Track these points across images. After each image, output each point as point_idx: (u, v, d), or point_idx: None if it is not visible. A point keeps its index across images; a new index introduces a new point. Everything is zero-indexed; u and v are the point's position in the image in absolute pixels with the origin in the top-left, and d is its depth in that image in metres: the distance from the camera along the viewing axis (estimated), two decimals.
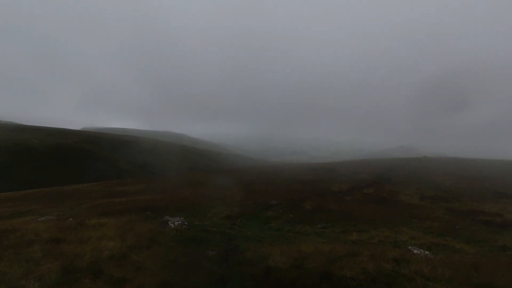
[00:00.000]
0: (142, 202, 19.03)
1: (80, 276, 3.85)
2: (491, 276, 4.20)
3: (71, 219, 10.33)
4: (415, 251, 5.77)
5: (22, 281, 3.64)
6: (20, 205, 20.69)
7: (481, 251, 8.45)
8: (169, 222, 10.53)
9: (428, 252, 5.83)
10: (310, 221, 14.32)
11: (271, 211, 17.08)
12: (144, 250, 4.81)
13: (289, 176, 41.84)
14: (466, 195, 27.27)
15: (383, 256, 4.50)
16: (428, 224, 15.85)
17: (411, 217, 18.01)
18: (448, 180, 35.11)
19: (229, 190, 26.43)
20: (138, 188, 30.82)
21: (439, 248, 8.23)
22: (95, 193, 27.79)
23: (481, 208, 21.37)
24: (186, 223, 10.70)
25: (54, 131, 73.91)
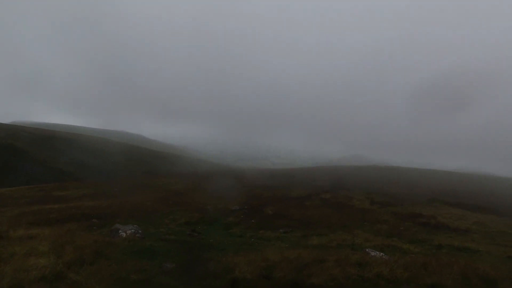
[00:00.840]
0: (87, 208, 16.85)
1: None
2: (439, 276, 4.54)
3: None
4: (372, 253, 6.04)
5: None
6: None
7: (423, 250, 9.37)
8: (120, 231, 9.39)
9: (383, 254, 6.17)
10: (271, 226, 14.31)
11: (232, 217, 16.68)
12: (88, 267, 3.98)
13: (250, 182, 41.86)
14: (407, 200, 30.59)
15: (347, 261, 4.55)
16: (378, 227, 17.21)
17: (363, 220, 19.38)
18: (392, 187, 39.05)
19: (188, 195, 25.20)
20: (82, 193, 27.36)
21: (389, 249, 8.87)
22: (25, 198, 23.79)
23: (419, 212, 24.14)
24: (140, 231, 9.68)
25: None
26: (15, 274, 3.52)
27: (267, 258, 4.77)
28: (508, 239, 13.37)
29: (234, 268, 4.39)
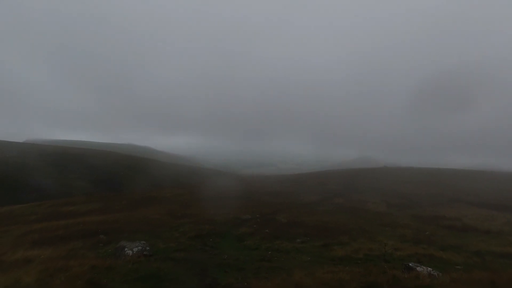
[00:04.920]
0: (94, 224, 16.27)
1: None
2: None
3: None
4: (418, 269, 5.14)
5: None
6: None
7: (465, 259, 8.31)
8: (126, 249, 8.67)
9: (430, 269, 5.26)
10: (287, 235, 13.40)
11: (244, 227, 15.81)
12: None
13: (259, 189, 40.90)
14: (425, 201, 29.12)
15: (403, 285, 3.67)
16: (401, 231, 16.02)
17: (383, 225, 18.20)
18: (408, 187, 37.49)
19: (197, 206, 24.43)
20: (91, 208, 26.91)
21: (427, 259, 7.88)
22: (35, 215, 23.43)
23: (441, 214, 22.72)
24: (148, 248, 8.95)
25: None
26: None
27: (300, 284, 3.93)
28: None
29: None
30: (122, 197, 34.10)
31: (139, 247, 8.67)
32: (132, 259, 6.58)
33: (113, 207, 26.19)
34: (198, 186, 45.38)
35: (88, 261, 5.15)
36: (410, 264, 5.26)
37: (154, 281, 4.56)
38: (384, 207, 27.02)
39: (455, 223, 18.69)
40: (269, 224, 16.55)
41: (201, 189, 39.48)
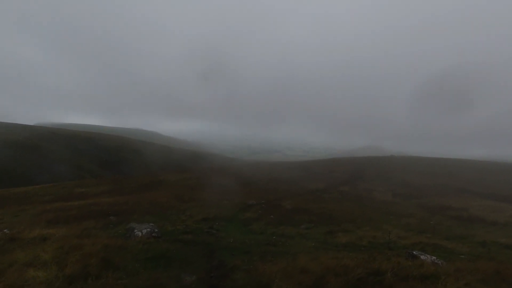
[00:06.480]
0: (105, 205, 16.83)
1: None
2: None
3: (6, 230, 8.28)
4: (422, 257, 5.18)
5: None
6: None
7: (470, 249, 8.32)
8: (136, 230, 8.99)
9: (435, 258, 5.29)
10: (292, 221, 13.62)
11: (250, 212, 16.11)
12: (92, 283, 3.41)
13: (266, 175, 41.25)
14: (432, 191, 28.92)
15: (407, 273, 3.71)
16: (405, 221, 16.07)
17: (388, 214, 18.27)
18: (415, 177, 37.19)
19: (204, 191, 24.91)
20: (101, 190, 27.78)
21: (431, 248, 7.93)
22: (49, 196, 24.38)
23: (448, 204, 22.59)
24: (156, 230, 9.25)
25: None
26: None
27: (305, 268, 4.03)
28: None
29: (269, 285, 3.64)
30: (131, 180, 34.99)
31: (148, 229, 8.96)
32: (142, 240, 6.84)
33: (122, 190, 26.95)
34: (205, 171, 46.05)
35: (101, 240, 5.39)
36: (414, 252, 5.31)
37: (164, 261, 4.76)
38: (390, 196, 27.01)
39: (461, 214, 18.60)
40: (274, 210, 16.80)
41: (208, 174, 40.07)
